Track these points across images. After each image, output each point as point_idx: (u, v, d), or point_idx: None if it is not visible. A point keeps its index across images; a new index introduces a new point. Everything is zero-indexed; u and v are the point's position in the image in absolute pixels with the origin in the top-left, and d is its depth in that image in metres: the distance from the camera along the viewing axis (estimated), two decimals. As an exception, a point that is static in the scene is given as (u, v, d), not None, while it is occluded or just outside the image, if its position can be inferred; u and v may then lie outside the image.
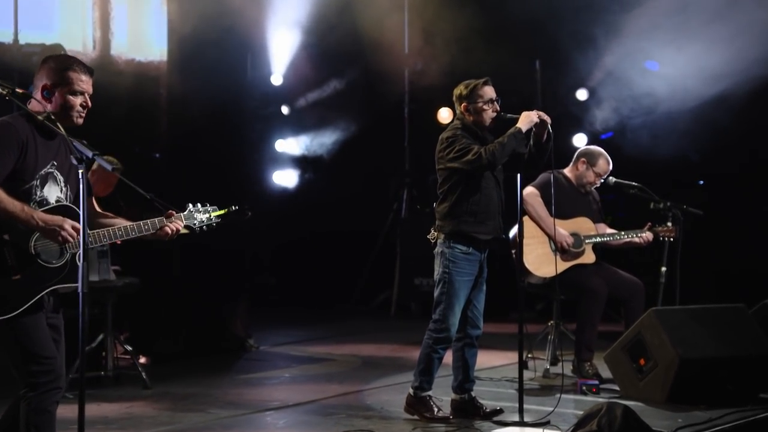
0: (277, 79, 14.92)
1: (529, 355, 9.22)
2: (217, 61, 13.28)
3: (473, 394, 7.41)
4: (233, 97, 13.99)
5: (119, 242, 9.28)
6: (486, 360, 9.64)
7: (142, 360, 9.51)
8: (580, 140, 13.65)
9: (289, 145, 15.31)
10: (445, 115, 14.22)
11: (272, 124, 15.23)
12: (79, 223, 4.90)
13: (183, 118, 13.46)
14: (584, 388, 8.23)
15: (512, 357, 9.09)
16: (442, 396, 7.49)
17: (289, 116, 15.34)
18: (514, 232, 8.71)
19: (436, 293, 7.21)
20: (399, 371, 9.11)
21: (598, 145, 12.11)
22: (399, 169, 14.67)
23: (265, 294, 15.15)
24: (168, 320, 9.75)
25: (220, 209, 5.54)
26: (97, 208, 5.48)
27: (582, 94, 13.63)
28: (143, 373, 8.33)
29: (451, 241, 7.13)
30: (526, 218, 8.85)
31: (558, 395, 7.47)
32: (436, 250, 7.23)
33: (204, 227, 5.46)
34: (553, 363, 9.27)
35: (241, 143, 14.26)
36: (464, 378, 7.36)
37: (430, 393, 7.26)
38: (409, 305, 14.10)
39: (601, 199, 9.43)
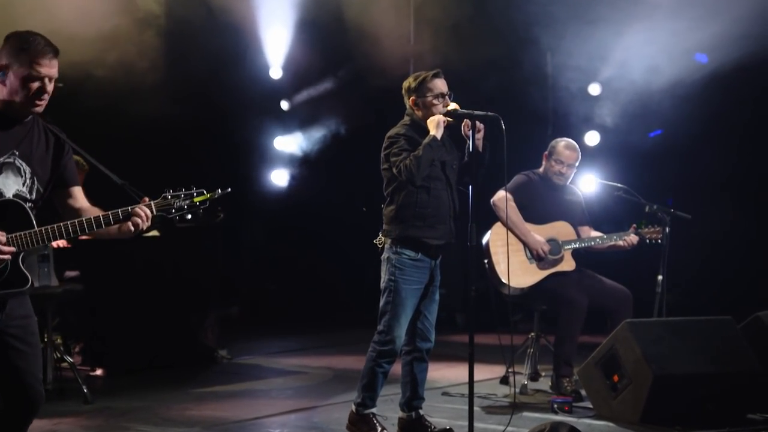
0: (276, 73, 14.85)
1: (510, 370, 9.11)
2: (212, 53, 13.32)
3: (422, 411, 7.29)
4: (228, 93, 14.04)
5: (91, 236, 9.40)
6: (464, 374, 9.51)
7: (98, 372, 9.51)
8: (592, 138, 13.46)
9: (289, 142, 15.21)
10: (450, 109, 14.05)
11: (270, 121, 15.16)
12: (24, 222, 4.74)
13: (177, 113, 13.55)
14: (555, 406, 8.08)
15: (496, 371, 9.03)
16: (390, 413, 7.41)
17: (288, 112, 15.22)
18: (487, 238, 8.63)
19: (381, 302, 7.10)
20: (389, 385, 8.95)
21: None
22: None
23: (263, 301, 15.14)
24: (127, 330, 9.69)
25: (204, 193, 5.11)
26: (80, 204, 5.11)
27: (595, 89, 13.38)
28: (84, 387, 8.27)
29: (398, 246, 7.01)
30: (499, 224, 8.75)
31: (522, 414, 7.58)
32: (382, 255, 7.11)
33: (185, 215, 4.98)
34: (534, 378, 9.15)
35: (236, 141, 14.27)
36: (412, 395, 7.24)
37: (373, 410, 7.15)
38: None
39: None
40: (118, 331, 9.71)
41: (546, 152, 9.04)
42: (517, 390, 8.81)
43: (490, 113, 6.98)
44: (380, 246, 7.15)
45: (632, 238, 8.88)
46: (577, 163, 8.99)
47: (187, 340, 10.27)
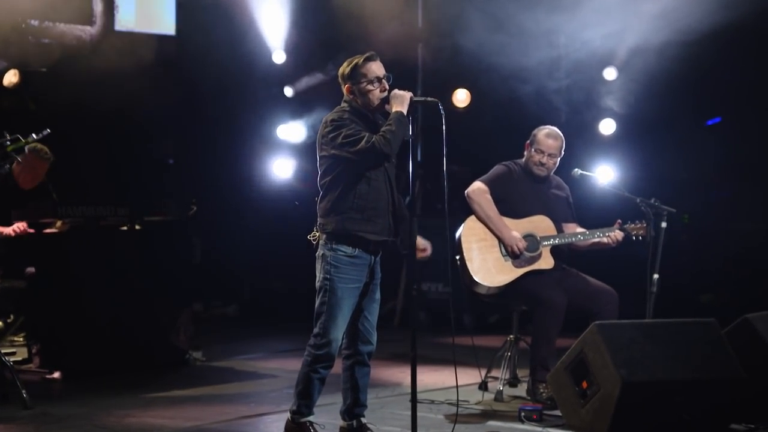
0: (279, 57, 14.70)
1: (490, 376, 8.95)
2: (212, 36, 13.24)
3: (364, 420, 7.14)
4: (230, 79, 13.94)
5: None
6: (444, 379, 9.39)
7: (56, 375, 9.43)
8: (607, 127, 13.19)
9: (292, 130, 15.03)
10: (462, 97, 13.91)
11: (273, 108, 15.03)
12: None
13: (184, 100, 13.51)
14: (523, 414, 7.88)
15: (476, 376, 8.84)
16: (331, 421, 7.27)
17: (292, 99, 15.05)
18: (459, 232, 8.48)
19: (316, 303, 6.93)
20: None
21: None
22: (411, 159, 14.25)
23: (266, 299, 15.04)
24: (89, 330, 9.58)
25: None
26: None
27: (610, 74, 13.10)
28: (24, 391, 8.17)
29: (333, 242, 6.85)
30: (473, 218, 8.58)
31: (487, 423, 7.57)
32: (317, 252, 6.95)
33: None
34: (513, 384, 8.96)
35: (237, 129, 14.16)
36: (353, 402, 7.09)
37: (310, 419, 7.00)
38: (416, 314, 13.73)
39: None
40: (78, 331, 9.58)
41: (527, 141, 8.82)
42: (493, 396, 8.66)
43: (429, 98, 6.82)
44: (314, 242, 6.97)
45: (616, 234, 8.66)
46: (560, 153, 8.76)
47: (156, 340, 10.12)
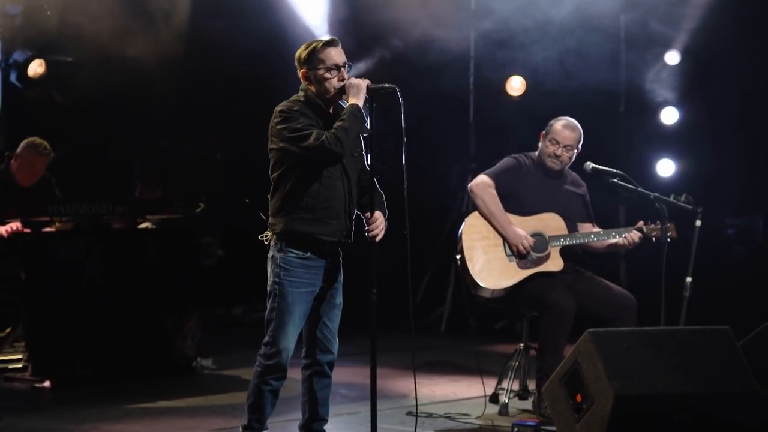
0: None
1: (501, 387, 8.70)
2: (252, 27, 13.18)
3: (323, 436, 6.93)
4: (274, 70, 13.82)
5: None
6: (457, 390, 9.22)
7: (46, 384, 9.41)
8: (670, 116, 12.77)
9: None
10: (516, 85, 13.61)
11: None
12: None
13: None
14: (516, 430, 7.62)
15: (488, 387, 8.62)
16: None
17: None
18: (461, 229, 8.30)
19: (267, 309, 6.75)
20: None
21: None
22: (463, 152, 14.07)
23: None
24: (83, 336, 9.53)
25: None
26: None
27: (673, 57, 12.69)
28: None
29: (283, 243, 6.66)
30: (476, 215, 8.36)
31: None
32: (268, 254, 6.77)
33: None
34: (523, 397, 8.70)
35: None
36: (311, 416, 6.93)
37: (262, 434, 6.83)
38: (466, 319, 13.51)
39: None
40: (72, 337, 9.52)
41: (543, 132, 8.57)
42: (496, 410, 8.44)
43: (386, 85, 6.64)
44: (266, 243, 6.80)
45: (632, 236, 8.39)
46: (577, 147, 8.50)
47: (159, 347, 10.02)
